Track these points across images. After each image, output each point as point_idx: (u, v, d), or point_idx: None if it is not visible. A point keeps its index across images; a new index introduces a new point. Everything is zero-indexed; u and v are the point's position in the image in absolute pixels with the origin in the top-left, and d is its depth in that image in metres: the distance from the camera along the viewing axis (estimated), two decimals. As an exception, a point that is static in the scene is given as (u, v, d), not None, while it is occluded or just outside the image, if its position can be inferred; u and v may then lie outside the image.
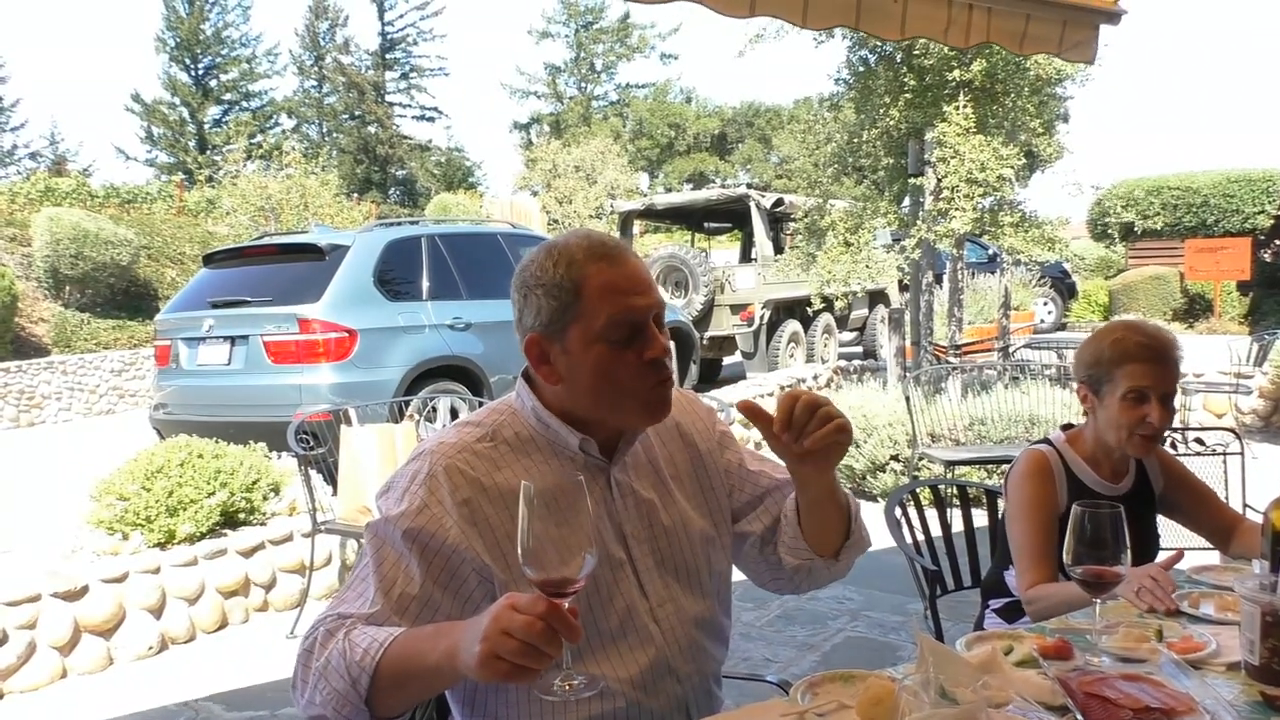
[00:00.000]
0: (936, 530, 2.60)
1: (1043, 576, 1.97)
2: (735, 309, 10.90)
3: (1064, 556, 1.50)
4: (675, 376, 1.47)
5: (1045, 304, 15.93)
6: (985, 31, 2.85)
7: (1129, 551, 1.47)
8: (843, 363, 10.58)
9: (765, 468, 1.61)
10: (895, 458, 6.06)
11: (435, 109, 40.83)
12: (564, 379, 1.39)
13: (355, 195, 26.57)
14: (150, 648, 3.90)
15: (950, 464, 5.20)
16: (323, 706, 1.23)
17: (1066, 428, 2.22)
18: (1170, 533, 2.32)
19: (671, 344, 1.43)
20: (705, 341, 11.01)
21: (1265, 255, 15.85)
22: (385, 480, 1.44)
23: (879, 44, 6.95)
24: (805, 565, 1.53)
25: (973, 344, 8.64)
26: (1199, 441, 3.31)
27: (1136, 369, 1.99)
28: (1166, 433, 3.16)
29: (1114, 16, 3.02)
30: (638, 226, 15.26)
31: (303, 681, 1.27)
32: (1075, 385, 2.17)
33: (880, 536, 2.16)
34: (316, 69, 38.74)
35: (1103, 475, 2.11)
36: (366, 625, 1.27)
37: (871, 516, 1.77)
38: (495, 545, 1.34)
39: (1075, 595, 1.76)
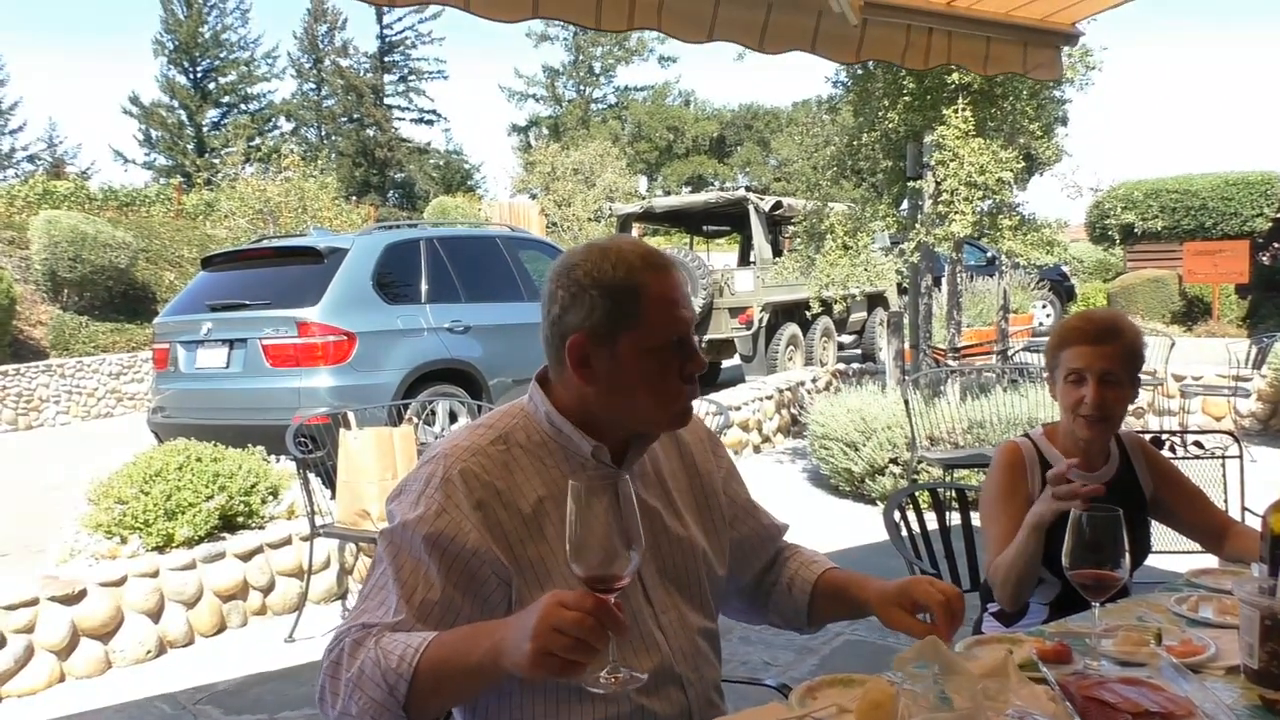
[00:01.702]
0: (935, 531, 2.60)
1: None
2: (734, 312, 10.91)
3: (1063, 559, 1.51)
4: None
5: (1044, 307, 15.94)
6: (947, 54, 2.89)
7: (1129, 556, 1.47)
8: (841, 366, 10.59)
9: (760, 514, 1.69)
10: (894, 461, 6.06)
11: (434, 112, 40.94)
12: (602, 382, 1.37)
13: (354, 198, 26.58)
14: (148, 651, 3.90)
15: (948, 467, 5.19)
16: (359, 717, 1.23)
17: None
18: (1162, 537, 2.32)
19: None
20: (704, 344, 11.01)
21: (1263, 258, 15.85)
22: (396, 483, 1.43)
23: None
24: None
25: (971, 347, 8.64)
26: (1198, 445, 3.30)
27: (1073, 352, 2.06)
28: (1165, 436, 3.19)
29: (1072, 38, 3.12)
30: (636, 229, 15.26)
31: (333, 694, 1.27)
32: None
33: (879, 540, 2.16)
34: (315, 72, 38.80)
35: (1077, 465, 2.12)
36: (393, 633, 1.26)
37: (870, 520, 1.78)
38: (508, 549, 1.34)
39: (1019, 542, 1.90)
